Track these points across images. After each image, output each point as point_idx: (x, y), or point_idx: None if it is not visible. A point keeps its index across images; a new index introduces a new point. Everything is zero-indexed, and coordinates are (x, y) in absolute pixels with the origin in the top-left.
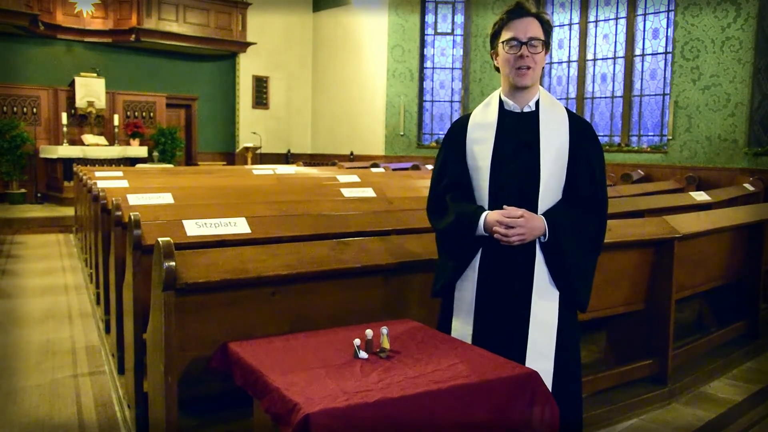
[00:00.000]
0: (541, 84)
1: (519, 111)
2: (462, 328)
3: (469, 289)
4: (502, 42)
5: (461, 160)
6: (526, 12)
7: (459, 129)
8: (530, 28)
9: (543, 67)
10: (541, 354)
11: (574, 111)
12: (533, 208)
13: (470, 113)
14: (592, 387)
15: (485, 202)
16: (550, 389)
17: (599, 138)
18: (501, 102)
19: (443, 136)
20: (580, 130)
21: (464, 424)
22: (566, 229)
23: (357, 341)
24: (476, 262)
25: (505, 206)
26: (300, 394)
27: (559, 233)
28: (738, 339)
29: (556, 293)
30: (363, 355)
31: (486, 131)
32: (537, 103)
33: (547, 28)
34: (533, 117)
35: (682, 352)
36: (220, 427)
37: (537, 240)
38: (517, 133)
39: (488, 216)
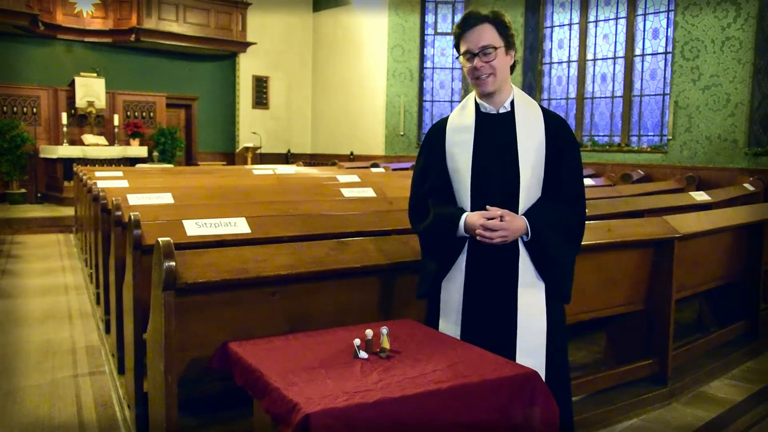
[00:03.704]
0: (541, 84)
1: (495, 112)
2: (449, 328)
3: (455, 290)
4: (461, 55)
5: (441, 164)
6: (476, 20)
7: (438, 132)
8: (483, 36)
9: (513, 66)
10: (531, 349)
11: (574, 111)
12: (514, 208)
13: (448, 116)
14: (592, 387)
15: (467, 204)
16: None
17: (599, 138)
18: (477, 104)
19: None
20: (555, 127)
21: (464, 424)
22: (547, 226)
23: (357, 341)
24: (462, 263)
25: (488, 207)
26: (300, 394)
27: (541, 231)
28: (738, 339)
29: (542, 286)
30: (363, 355)
31: (464, 134)
32: (513, 103)
33: (502, 28)
34: (510, 117)
35: (682, 352)
36: (220, 427)
37: (520, 237)
38: (495, 134)
39: (468, 217)
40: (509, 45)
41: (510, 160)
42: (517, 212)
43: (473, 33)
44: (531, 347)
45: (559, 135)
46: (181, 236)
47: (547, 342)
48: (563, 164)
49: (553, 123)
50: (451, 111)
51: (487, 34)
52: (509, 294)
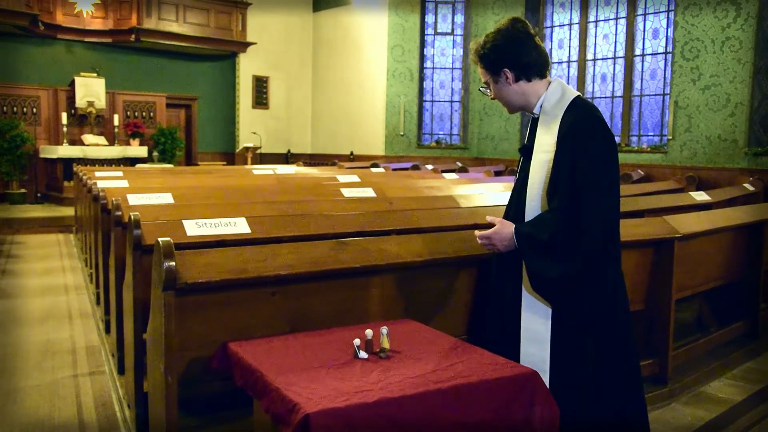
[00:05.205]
0: None
1: (532, 116)
2: None
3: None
4: None
5: None
6: (474, 62)
7: None
8: (481, 74)
9: (522, 74)
10: (534, 368)
11: None
12: (521, 215)
13: None
14: None
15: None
16: None
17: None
18: None
19: (443, 136)
20: (564, 131)
21: (464, 424)
22: (527, 239)
23: (357, 341)
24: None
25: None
26: (300, 394)
27: (520, 243)
28: (738, 339)
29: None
30: (363, 355)
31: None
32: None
33: (487, 63)
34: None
35: (682, 352)
36: (220, 427)
37: None
38: (531, 139)
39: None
40: (495, 71)
41: (525, 166)
42: (523, 219)
43: None
44: (535, 364)
45: (566, 143)
46: (181, 236)
47: (559, 358)
48: (567, 172)
49: (565, 125)
50: (451, 111)
51: (481, 71)
52: (515, 308)
